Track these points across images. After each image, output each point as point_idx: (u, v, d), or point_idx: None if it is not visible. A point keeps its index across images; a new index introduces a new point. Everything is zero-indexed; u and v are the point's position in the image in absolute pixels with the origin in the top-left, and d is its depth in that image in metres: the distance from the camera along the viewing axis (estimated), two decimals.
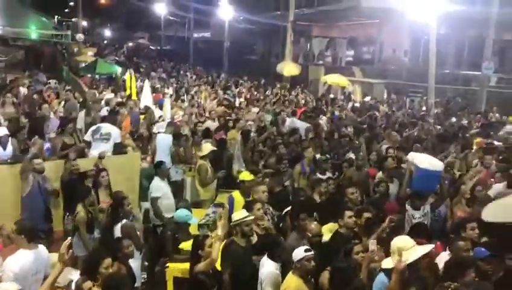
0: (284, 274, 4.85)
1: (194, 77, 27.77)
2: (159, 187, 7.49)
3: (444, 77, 21.48)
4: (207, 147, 8.92)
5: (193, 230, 6.65)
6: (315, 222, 5.60)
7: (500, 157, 8.63)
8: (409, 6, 19.08)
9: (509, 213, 5.12)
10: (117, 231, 5.83)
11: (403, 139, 11.21)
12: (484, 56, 19.44)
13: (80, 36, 32.11)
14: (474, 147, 10.48)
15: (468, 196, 6.91)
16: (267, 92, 21.14)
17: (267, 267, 4.92)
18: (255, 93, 19.98)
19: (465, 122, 15.00)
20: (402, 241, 4.35)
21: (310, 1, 28.61)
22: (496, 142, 11.03)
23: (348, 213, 5.61)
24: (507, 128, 13.47)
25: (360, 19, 26.50)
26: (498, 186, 7.38)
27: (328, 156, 9.40)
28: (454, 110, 18.14)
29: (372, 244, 4.64)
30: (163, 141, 9.58)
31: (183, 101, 16.35)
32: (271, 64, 28.11)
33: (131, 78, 16.24)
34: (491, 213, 5.08)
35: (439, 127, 13.77)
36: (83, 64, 23.48)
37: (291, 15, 26.87)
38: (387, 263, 4.32)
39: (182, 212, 6.20)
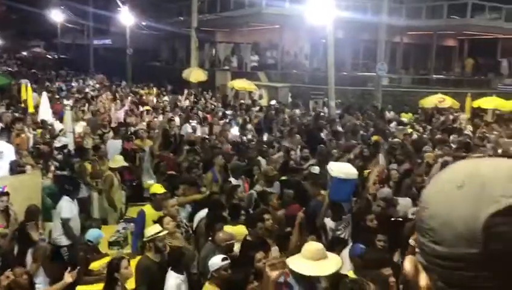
0: (191, 284, 4.90)
1: (98, 85, 26.68)
2: (70, 208, 7.03)
3: (342, 78, 22.63)
4: (118, 159, 8.65)
5: (103, 248, 6.41)
6: (222, 231, 5.53)
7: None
8: (307, 11, 19.87)
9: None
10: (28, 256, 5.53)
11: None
12: (378, 58, 20.80)
13: None
14: None
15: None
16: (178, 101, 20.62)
17: (170, 279, 4.91)
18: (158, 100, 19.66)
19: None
20: (307, 247, 4.38)
21: (213, 7, 28.73)
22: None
23: (259, 225, 5.67)
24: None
25: (262, 24, 27.10)
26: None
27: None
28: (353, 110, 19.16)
29: (275, 250, 4.75)
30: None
31: (84, 111, 15.65)
32: (176, 71, 27.68)
33: (27, 89, 15.27)
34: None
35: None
36: None
37: (194, 21, 26.74)
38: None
39: (95, 233, 5.97)
